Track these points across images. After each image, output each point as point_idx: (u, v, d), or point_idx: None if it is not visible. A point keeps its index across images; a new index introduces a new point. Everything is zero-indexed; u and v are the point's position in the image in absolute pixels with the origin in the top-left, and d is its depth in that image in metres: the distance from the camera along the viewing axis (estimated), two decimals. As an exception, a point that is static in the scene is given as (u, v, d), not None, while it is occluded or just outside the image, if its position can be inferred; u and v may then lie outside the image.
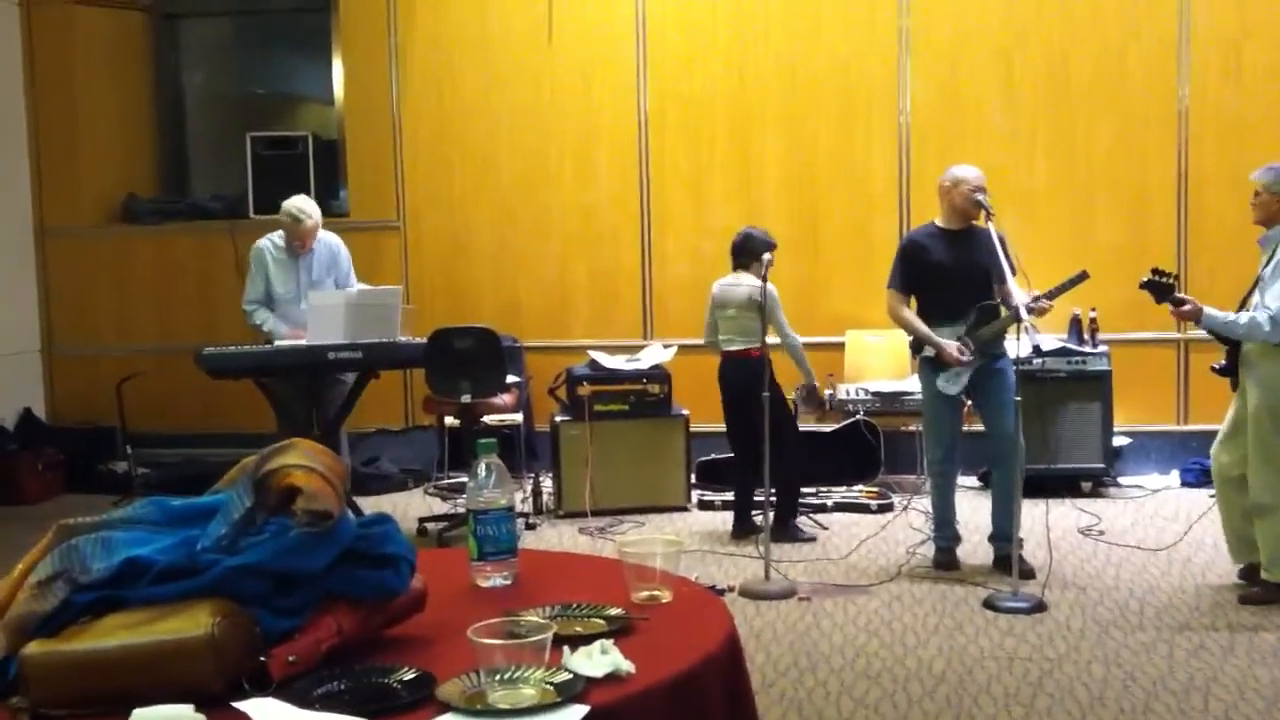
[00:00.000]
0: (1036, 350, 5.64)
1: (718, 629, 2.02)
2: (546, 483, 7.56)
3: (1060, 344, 7.49)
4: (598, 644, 1.87)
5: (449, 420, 7.51)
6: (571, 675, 1.81)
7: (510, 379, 7.11)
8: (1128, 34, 7.80)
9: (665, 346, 7.70)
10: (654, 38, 8.33)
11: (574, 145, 8.46)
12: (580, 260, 8.53)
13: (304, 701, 1.78)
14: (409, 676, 1.87)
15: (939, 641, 5.11)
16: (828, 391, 7.81)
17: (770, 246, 6.52)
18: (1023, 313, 5.51)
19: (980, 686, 4.61)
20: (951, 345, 5.87)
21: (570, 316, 8.54)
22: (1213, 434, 7.60)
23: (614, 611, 2.11)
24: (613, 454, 7.27)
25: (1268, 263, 5.42)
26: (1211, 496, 7.12)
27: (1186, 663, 4.77)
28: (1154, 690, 4.52)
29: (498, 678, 1.77)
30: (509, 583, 2.41)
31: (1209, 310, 5.39)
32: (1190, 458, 7.68)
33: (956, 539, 6.19)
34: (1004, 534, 5.97)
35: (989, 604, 5.52)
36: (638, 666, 1.85)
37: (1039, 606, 5.45)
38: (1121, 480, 7.69)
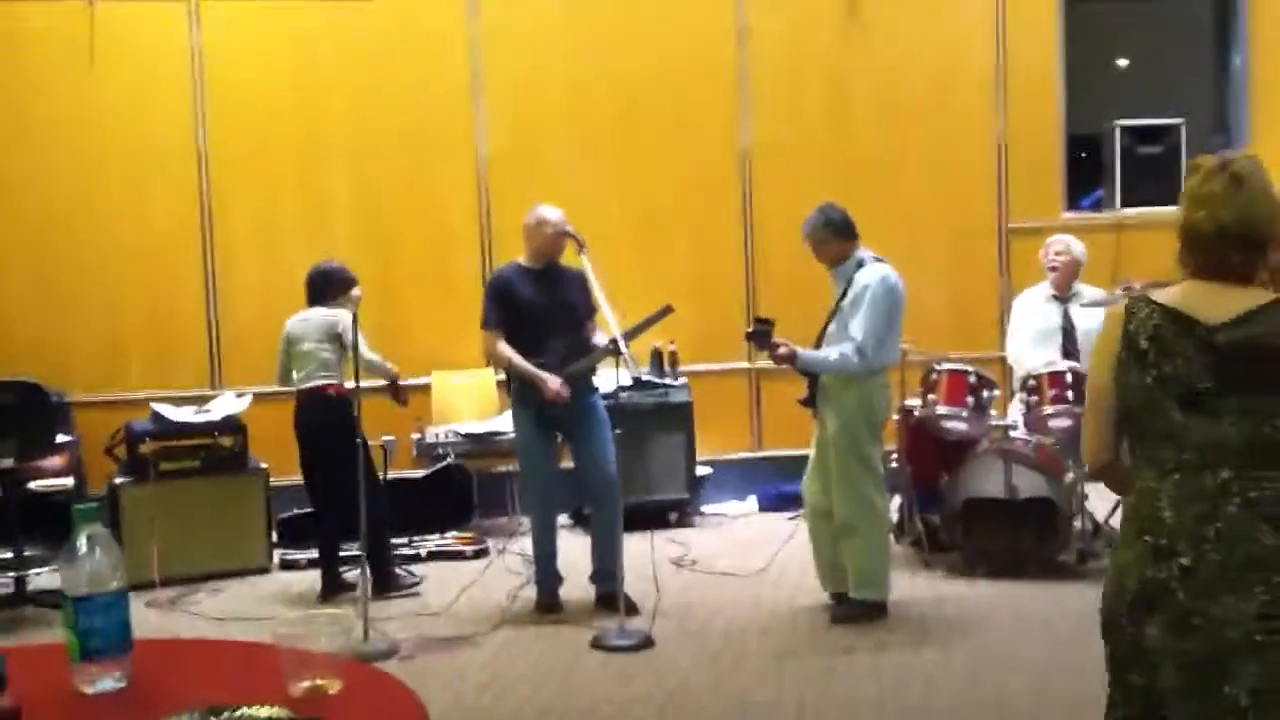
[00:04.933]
0: (637, 381, 5.63)
1: (410, 720, 1.70)
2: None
3: (644, 377, 7.58)
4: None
5: (-14, 489, 6.57)
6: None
7: (59, 438, 6.32)
8: (693, 78, 8.06)
9: (238, 396, 7.12)
10: (212, 65, 7.74)
11: (124, 177, 7.70)
12: (135, 303, 7.76)
13: None
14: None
15: (552, 688, 4.96)
16: (415, 435, 7.52)
17: (351, 282, 6.23)
18: (621, 344, 5.49)
19: (601, 732, 4.49)
20: (554, 380, 5.75)
21: (125, 366, 7.74)
22: (785, 459, 8.00)
23: (275, 713, 1.74)
24: (183, 516, 6.59)
25: (843, 295, 5.67)
26: (791, 519, 7.49)
27: (795, 688, 4.85)
28: (769, 717, 4.57)
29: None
30: (123, 685, 1.97)
31: (802, 352, 5.57)
32: (765, 483, 7.98)
33: (558, 579, 6.07)
34: (606, 572, 5.91)
35: (596, 643, 5.42)
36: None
37: (647, 642, 5.41)
38: (704, 509, 7.87)
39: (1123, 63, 10.64)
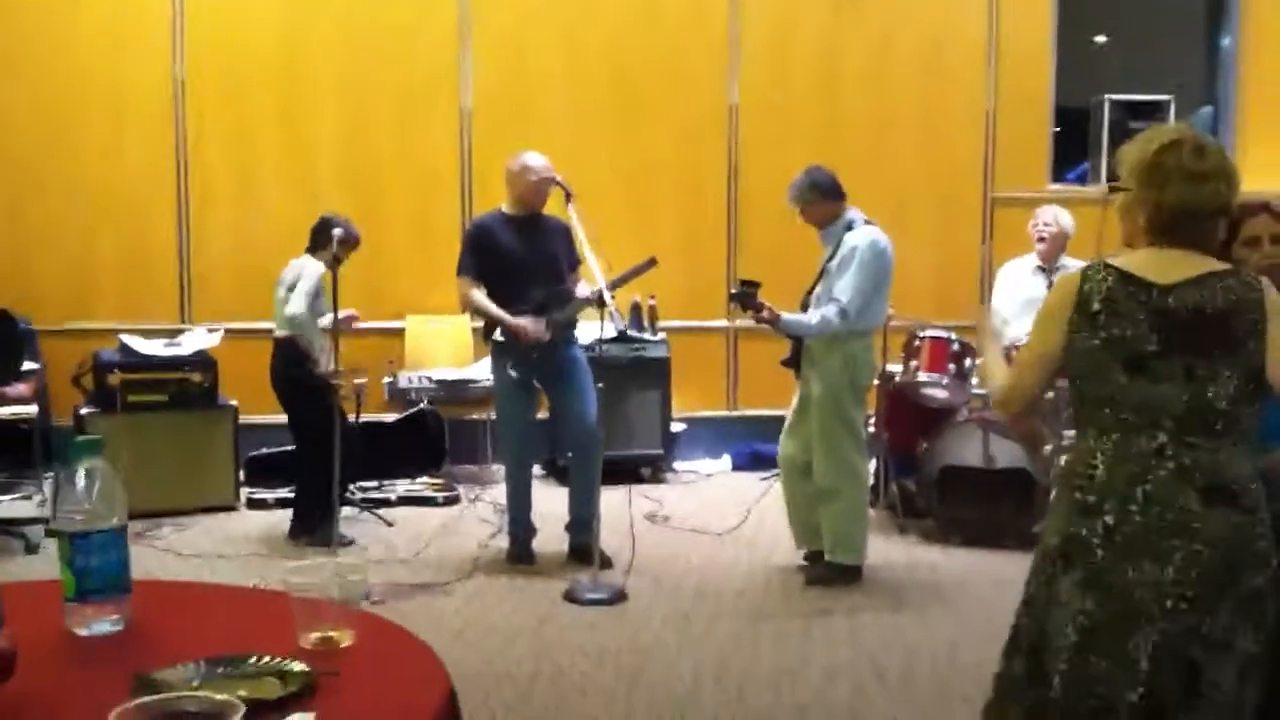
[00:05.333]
0: (621, 334, 5.57)
1: (431, 681, 1.62)
2: (70, 484, 6.65)
3: (622, 331, 7.50)
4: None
5: (-52, 415, 6.43)
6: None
7: (26, 365, 6.18)
8: (685, 32, 7.93)
9: (210, 331, 6.99)
10: (193, -8, 7.57)
11: (100, 107, 7.52)
12: (108, 234, 7.59)
13: None
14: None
15: (526, 640, 4.90)
16: (386, 379, 7.43)
17: (332, 227, 6.03)
18: (606, 295, 5.41)
19: (575, 685, 4.44)
20: (527, 321, 5.67)
21: (95, 296, 7.59)
22: (760, 419, 7.98)
23: (291, 666, 1.65)
24: (150, 450, 6.47)
25: (831, 257, 5.61)
26: (764, 480, 7.47)
27: (771, 653, 4.81)
28: (745, 680, 4.53)
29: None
30: (120, 628, 1.89)
31: (785, 315, 5.51)
32: (739, 442, 7.95)
33: (532, 530, 6.02)
34: (582, 522, 5.87)
35: (570, 596, 5.38)
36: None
37: (620, 596, 5.38)
38: (677, 466, 7.82)
39: (1100, 39, 10.59)
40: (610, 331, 5.46)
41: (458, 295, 5.92)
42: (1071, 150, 8.44)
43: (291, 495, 6.38)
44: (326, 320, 5.89)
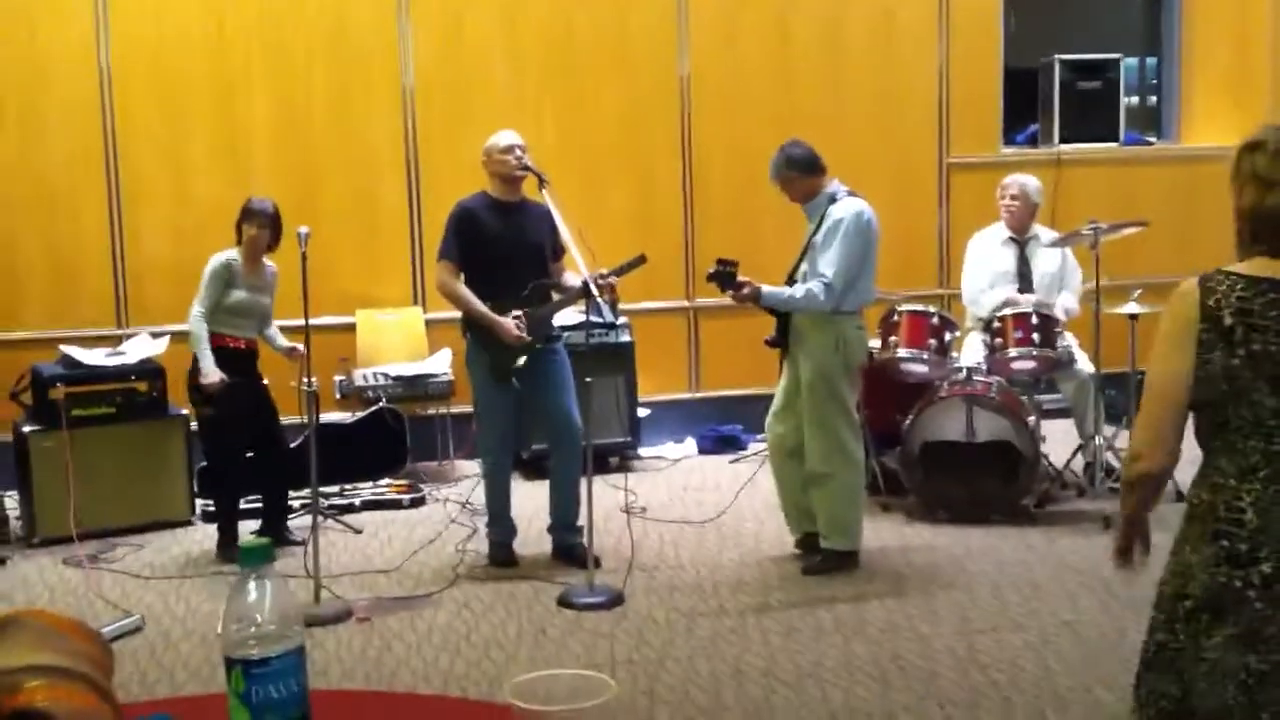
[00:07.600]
0: (609, 325, 5.41)
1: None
2: (13, 505, 6.27)
3: (611, 322, 7.25)
4: None
5: None
6: None
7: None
8: (630, 1, 7.65)
9: (154, 336, 6.61)
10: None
11: (18, 98, 7.03)
12: (33, 235, 7.12)
13: None
14: None
15: (527, 651, 4.70)
16: (339, 377, 7.11)
17: (244, 215, 5.78)
18: (592, 286, 5.20)
19: (593, 701, 4.24)
20: (509, 323, 5.44)
21: (23, 303, 7.12)
22: (723, 400, 7.83)
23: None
24: (98, 465, 6.13)
25: (815, 231, 5.45)
26: (732, 463, 7.33)
27: (786, 647, 4.67)
28: (767, 682, 4.38)
29: None
30: None
31: (767, 289, 5.32)
32: (703, 425, 7.77)
33: (513, 531, 5.80)
34: (566, 522, 5.70)
35: (565, 601, 5.17)
36: None
37: (618, 599, 5.18)
38: (642, 452, 7.61)
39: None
40: (597, 319, 5.30)
41: (436, 281, 5.67)
42: (1019, 112, 8.35)
43: (252, 505, 6.09)
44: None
